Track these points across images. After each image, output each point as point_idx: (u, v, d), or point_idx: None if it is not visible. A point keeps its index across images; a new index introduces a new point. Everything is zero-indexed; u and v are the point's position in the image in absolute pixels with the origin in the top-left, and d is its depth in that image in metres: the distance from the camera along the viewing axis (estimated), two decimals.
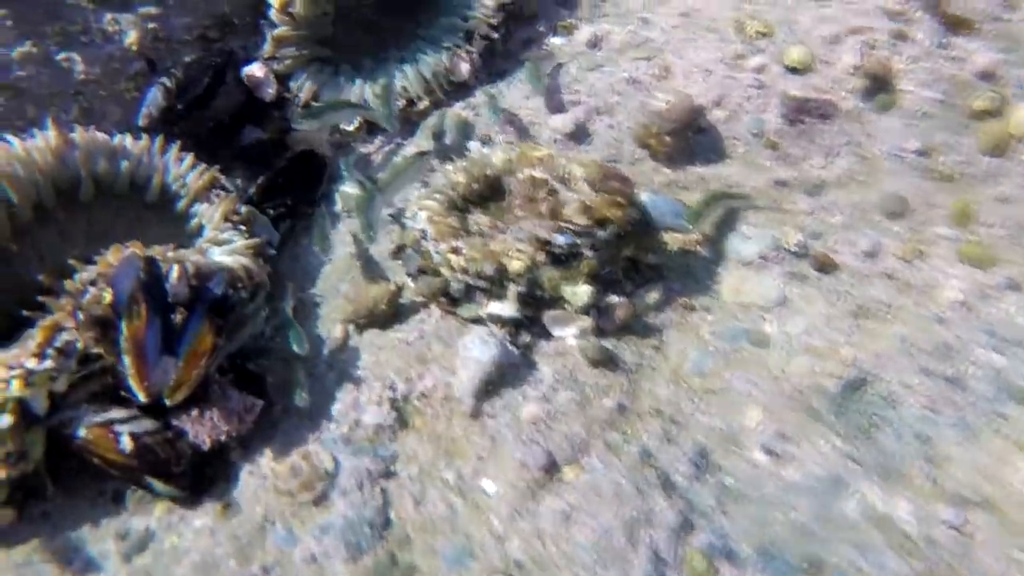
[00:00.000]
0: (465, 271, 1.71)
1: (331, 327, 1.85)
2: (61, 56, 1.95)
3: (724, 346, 1.70)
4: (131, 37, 1.97)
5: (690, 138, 1.95)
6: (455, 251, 1.71)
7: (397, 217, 2.01)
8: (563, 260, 1.69)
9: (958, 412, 1.55)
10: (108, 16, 1.97)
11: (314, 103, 2.12)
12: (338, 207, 2.09)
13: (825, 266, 1.77)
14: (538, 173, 1.77)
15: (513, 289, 1.69)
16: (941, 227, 1.77)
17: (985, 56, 1.81)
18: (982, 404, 1.54)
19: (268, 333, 1.87)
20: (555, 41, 2.29)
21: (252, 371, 1.75)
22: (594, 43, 2.23)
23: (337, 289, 1.93)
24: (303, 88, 2.11)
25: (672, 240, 1.86)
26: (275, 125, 2.12)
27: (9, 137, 1.77)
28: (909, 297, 1.71)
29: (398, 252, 1.95)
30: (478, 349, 1.60)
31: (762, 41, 1.98)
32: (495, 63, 2.26)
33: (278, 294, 1.92)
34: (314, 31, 2.14)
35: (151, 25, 2.00)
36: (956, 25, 1.87)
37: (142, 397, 1.51)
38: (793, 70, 1.94)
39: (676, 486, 1.51)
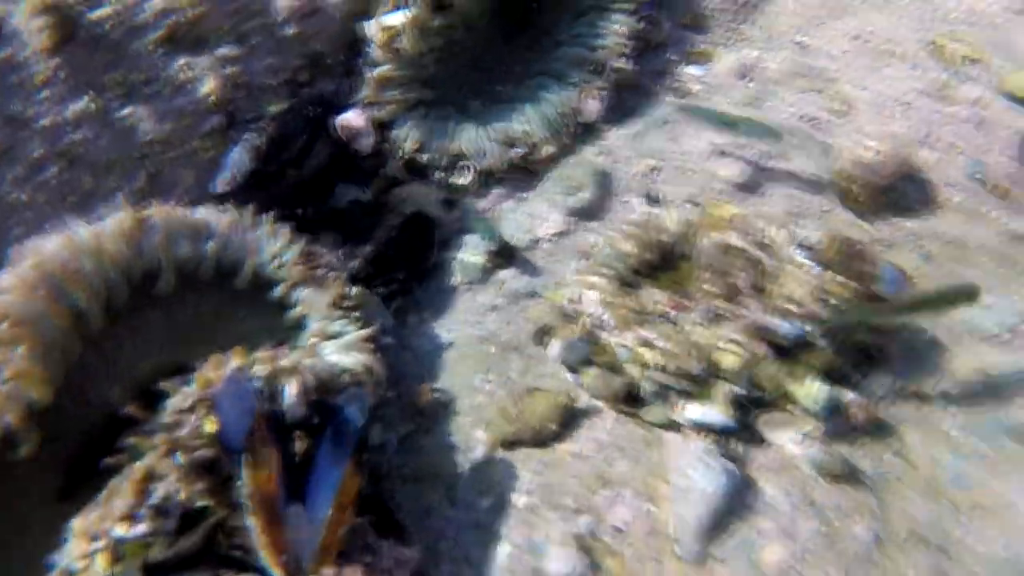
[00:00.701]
0: (662, 369, 1.35)
1: (470, 435, 1.47)
2: (124, 112, 1.56)
3: (982, 446, 1.36)
4: (208, 86, 1.58)
5: (895, 185, 1.68)
6: (646, 344, 1.35)
7: (539, 290, 1.64)
8: (788, 352, 1.34)
9: None
10: (179, 61, 1.58)
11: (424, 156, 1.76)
12: (456, 279, 1.71)
13: None
14: (734, 240, 1.42)
15: (724, 388, 1.33)
16: None
17: None
18: None
19: (392, 446, 1.53)
20: (691, 71, 1.95)
21: (389, 507, 1.35)
22: (742, 73, 1.90)
23: (471, 385, 1.54)
24: (408, 137, 1.75)
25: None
26: (376, 182, 1.75)
27: (77, 225, 1.36)
28: None
29: (542, 335, 1.57)
30: (701, 475, 1.24)
31: (972, 68, 1.69)
32: (623, 99, 1.91)
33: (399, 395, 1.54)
34: (418, 70, 1.78)
35: (230, 70, 1.60)
36: None
37: (277, 573, 1.10)
38: (1019, 100, 1.64)
39: None
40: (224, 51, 1.60)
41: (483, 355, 1.61)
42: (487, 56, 1.93)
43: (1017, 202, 1.60)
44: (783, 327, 1.34)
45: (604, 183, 1.80)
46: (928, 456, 1.37)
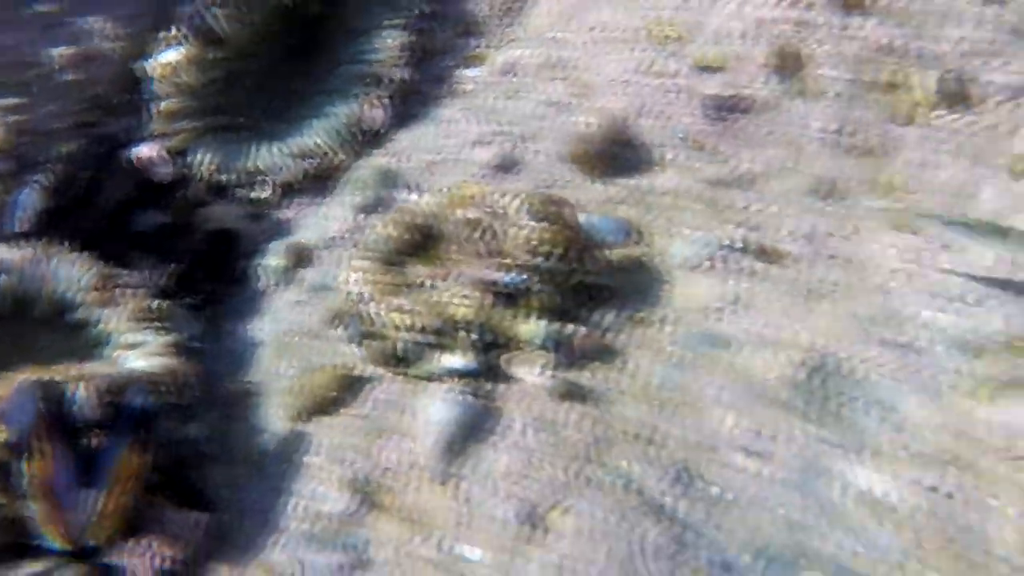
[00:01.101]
0: (411, 328, 1.60)
1: (273, 415, 1.69)
2: None
3: (687, 355, 1.64)
4: None
5: (616, 152, 1.97)
6: (398, 309, 1.60)
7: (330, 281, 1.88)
8: (513, 298, 1.61)
9: (916, 376, 1.55)
10: None
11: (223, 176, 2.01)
12: (263, 283, 1.93)
13: (770, 257, 1.74)
14: (472, 213, 1.71)
15: (464, 338, 1.60)
16: (871, 200, 1.79)
17: (882, 31, 1.89)
18: (936, 363, 1.53)
19: (203, 437, 1.72)
20: (468, 73, 2.21)
21: (191, 481, 1.58)
22: (507, 70, 2.17)
23: (277, 372, 1.77)
24: (205, 162, 1.96)
25: (618, 256, 1.82)
26: (179, 206, 1.97)
27: None
28: (854, 273, 1.72)
29: (335, 320, 1.79)
30: (436, 409, 1.51)
31: (673, 45, 1.98)
32: (409, 106, 2.14)
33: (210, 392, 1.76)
34: (205, 100, 2.00)
35: (14, 118, 1.79)
36: (851, 6, 1.93)
37: (59, 544, 1.32)
38: (708, 69, 1.94)
39: (664, 508, 1.43)
40: (5, 102, 1.80)
41: (288, 345, 1.85)
42: (273, 80, 2.16)
43: (711, 152, 1.91)
44: (504, 278, 1.60)
45: (387, 181, 2.03)
46: (645, 369, 1.67)
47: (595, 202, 1.91)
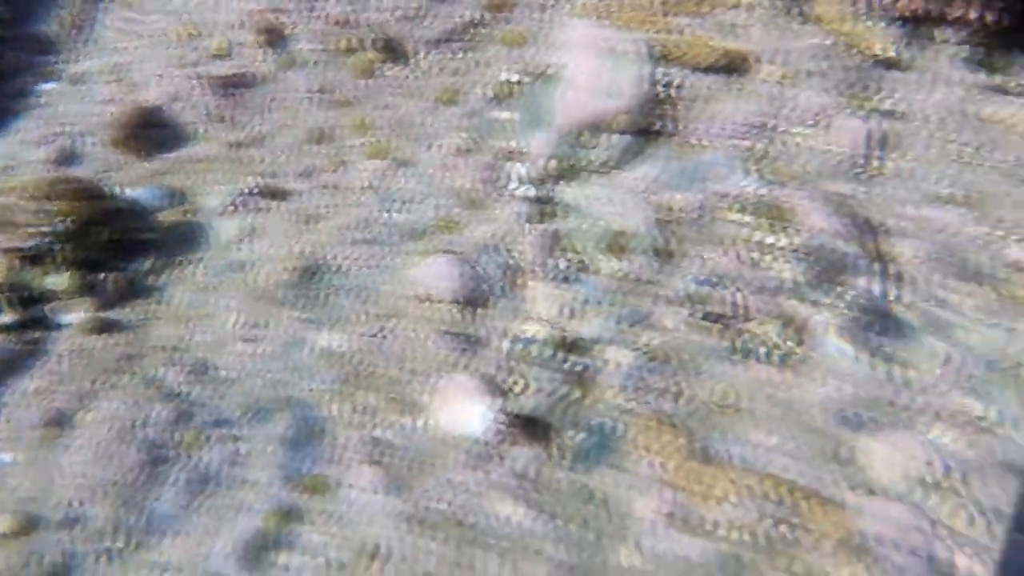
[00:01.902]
0: None
1: None
2: None
3: (213, 281, 2.12)
4: None
5: (155, 133, 2.37)
6: None
7: None
8: (40, 258, 2.01)
9: (381, 260, 2.07)
10: None
11: None
12: None
13: (278, 194, 2.26)
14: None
15: (2, 298, 1.97)
16: (353, 140, 2.35)
17: (339, 9, 2.43)
18: (394, 249, 2.07)
19: None
20: (44, 87, 2.53)
21: None
22: (77, 80, 2.54)
23: None
24: None
25: (166, 218, 2.27)
26: None
27: None
28: (340, 196, 2.25)
29: None
30: None
31: (195, 41, 2.43)
32: None
33: None
34: None
35: None
36: None
37: None
38: (219, 56, 2.42)
39: (177, 393, 1.89)
40: None
41: None
42: None
43: (230, 122, 2.36)
44: (26, 244, 1.98)
45: None
46: (178, 299, 2.10)
47: (143, 177, 2.30)
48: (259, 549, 1.61)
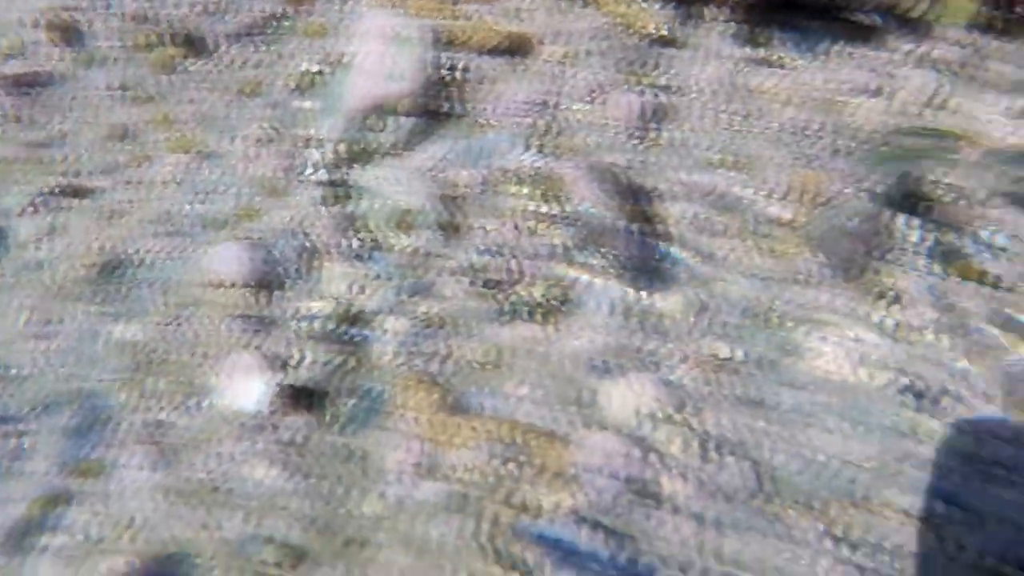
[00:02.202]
0: None
1: None
2: None
3: (9, 281, 2.08)
4: None
5: None
6: None
7: None
8: None
9: (182, 252, 2.06)
10: None
11: None
12: None
13: (79, 193, 2.27)
14: None
15: None
16: (154, 135, 2.36)
17: (136, 7, 2.46)
18: (196, 240, 2.08)
19: None
20: None
21: None
22: None
23: None
24: None
25: None
26: None
27: None
28: (144, 191, 2.27)
29: None
30: None
31: None
32: None
33: None
34: None
35: None
36: None
37: None
38: (11, 55, 2.41)
39: None
40: None
41: None
42: None
43: (28, 121, 2.34)
44: None
45: None
46: None
47: None
48: (21, 535, 1.63)
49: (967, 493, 1.67)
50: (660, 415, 1.71)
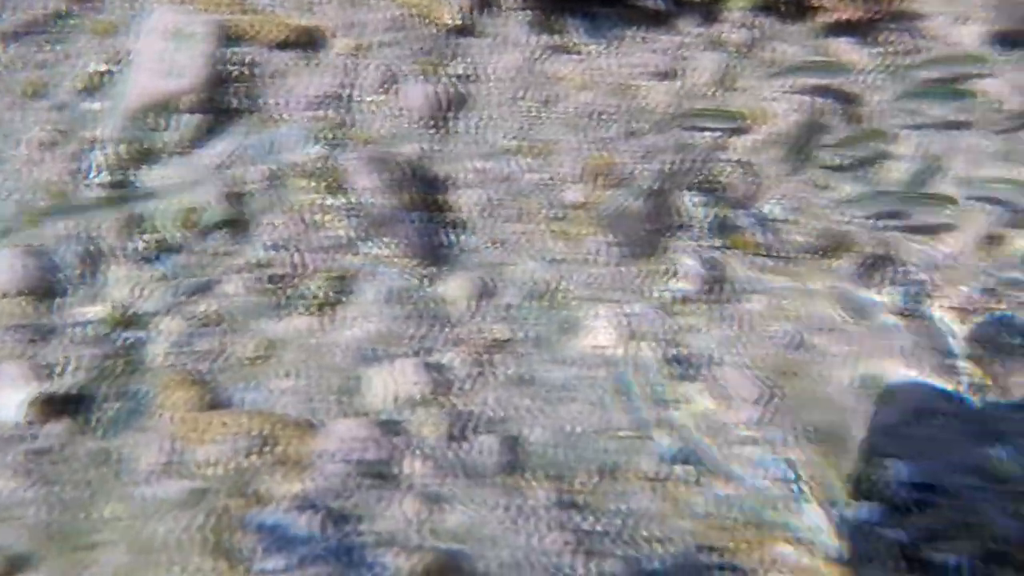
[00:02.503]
0: None
1: None
2: None
3: None
4: None
5: None
6: None
7: None
8: None
9: None
10: None
11: None
12: None
13: None
14: None
15: None
16: None
17: None
18: None
19: None
20: None
21: None
22: None
23: None
24: None
25: None
26: None
27: None
28: None
29: None
30: None
31: None
32: None
33: None
34: None
35: None
36: None
37: None
38: None
39: None
40: None
41: None
42: None
43: None
44: None
45: None
46: None
47: None
48: None
49: (707, 457, 1.78)
50: (419, 398, 1.74)
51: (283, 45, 2.30)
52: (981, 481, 1.77)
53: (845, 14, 2.48)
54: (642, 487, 1.65)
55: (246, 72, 2.27)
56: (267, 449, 1.56)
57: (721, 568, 1.48)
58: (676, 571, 1.44)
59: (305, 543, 1.30)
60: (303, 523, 1.33)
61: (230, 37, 2.28)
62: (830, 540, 1.57)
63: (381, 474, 1.54)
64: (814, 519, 1.61)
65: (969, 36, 2.54)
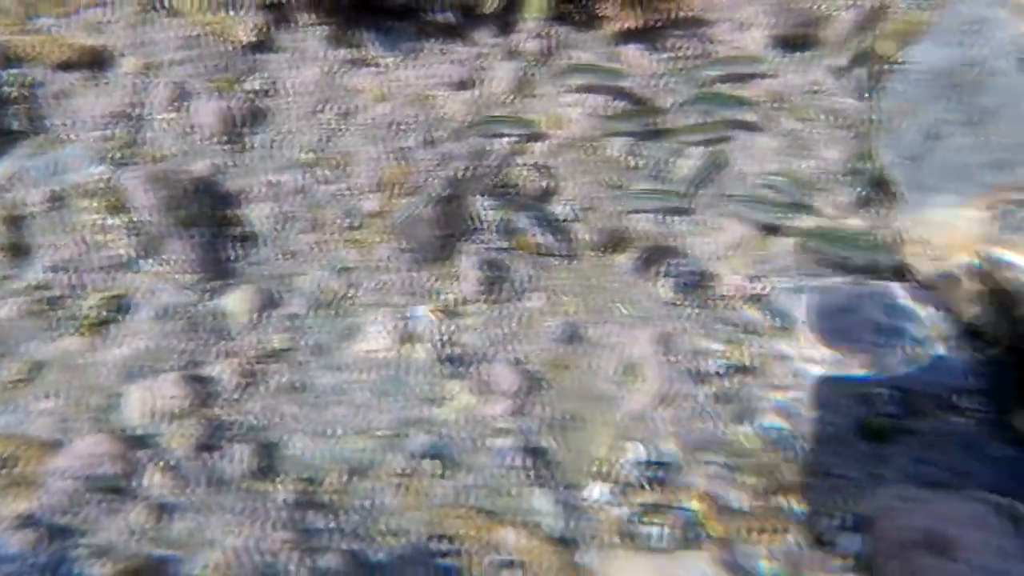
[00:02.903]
0: None
1: None
2: None
3: None
4: None
5: None
6: None
7: None
8: None
9: None
10: None
11: None
12: None
13: None
14: None
15: None
16: None
17: None
18: None
19: None
20: None
21: None
22: None
23: None
24: None
25: None
26: None
27: None
28: None
29: None
30: None
31: None
32: None
33: None
34: None
35: None
36: None
37: None
38: None
39: None
40: None
41: None
42: None
43: None
44: None
45: None
46: None
47: None
48: None
49: (457, 450, 1.89)
50: (177, 412, 1.80)
51: (67, 66, 2.30)
52: (725, 457, 1.94)
53: (628, 22, 2.64)
54: (390, 483, 1.75)
55: (27, 93, 2.27)
56: (3, 471, 1.59)
57: (445, 555, 1.59)
58: (401, 561, 1.54)
59: (13, 561, 1.34)
60: (17, 541, 1.37)
61: (9, 58, 2.26)
62: (555, 522, 1.71)
63: (115, 488, 1.59)
64: (542, 503, 1.74)
65: (752, 40, 2.72)
